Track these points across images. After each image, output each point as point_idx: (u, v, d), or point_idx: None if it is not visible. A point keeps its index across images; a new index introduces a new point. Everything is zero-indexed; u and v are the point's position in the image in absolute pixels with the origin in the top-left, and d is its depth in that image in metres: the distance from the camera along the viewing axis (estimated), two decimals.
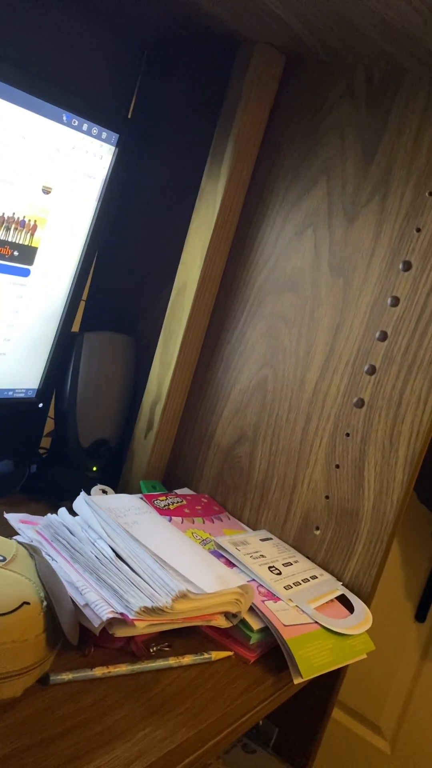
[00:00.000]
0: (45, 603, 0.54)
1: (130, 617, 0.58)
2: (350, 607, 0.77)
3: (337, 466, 0.82)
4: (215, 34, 0.84)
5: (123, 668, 0.59)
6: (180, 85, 0.95)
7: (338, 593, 0.78)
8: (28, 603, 0.52)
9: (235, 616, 0.67)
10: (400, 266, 0.78)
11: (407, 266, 0.77)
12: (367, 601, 0.80)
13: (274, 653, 0.68)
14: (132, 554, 0.64)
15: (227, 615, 0.67)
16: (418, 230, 0.77)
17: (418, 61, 0.75)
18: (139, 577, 0.62)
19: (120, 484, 0.95)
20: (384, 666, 1.59)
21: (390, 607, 1.58)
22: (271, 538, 0.84)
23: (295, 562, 0.80)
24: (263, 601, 0.70)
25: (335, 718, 1.66)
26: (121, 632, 0.59)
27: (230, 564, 0.75)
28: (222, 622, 0.66)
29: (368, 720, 1.63)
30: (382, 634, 1.58)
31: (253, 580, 0.73)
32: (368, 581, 0.81)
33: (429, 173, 0.76)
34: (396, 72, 0.79)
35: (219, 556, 0.76)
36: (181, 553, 0.68)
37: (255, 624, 0.68)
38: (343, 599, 0.78)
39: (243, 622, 0.68)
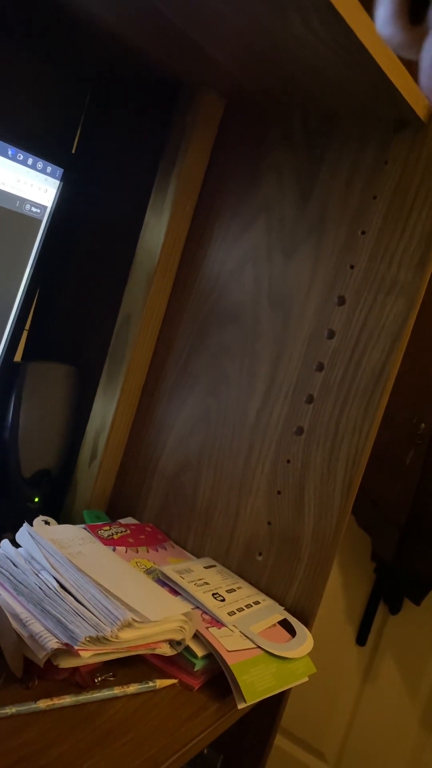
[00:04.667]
0: None
1: (75, 647, 0.58)
2: (292, 631, 0.79)
3: (279, 493, 0.85)
4: (158, 74, 0.88)
5: (67, 699, 0.59)
6: (124, 121, 0.98)
7: (280, 618, 0.80)
8: None
9: (179, 643, 0.68)
10: (335, 301, 0.82)
11: (341, 301, 0.81)
12: (309, 624, 0.82)
13: (218, 679, 0.69)
14: (76, 584, 0.64)
15: (171, 642, 0.68)
16: (352, 267, 0.81)
17: (349, 107, 0.80)
18: (84, 607, 0.62)
19: (62, 515, 0.95)
20: (326, 691, 1.61)
21: (331, 631, 1.61)
22: (214, 566, 0.86)
23: (239, 588, 0.82)
24: (207, 628, 0.71)
25: (279, 745, 1.67)
26: (66, 663, 0.59)
27: (174, 592, 0.75)
28: (166, 650, 0.67)
29: (311, 746, 1.64)
30: (324, 658, 1.60)
31: (198, 607, 0.74)
32: (309, 605, 0.83)
33: (361, 214, 0.81)
34: (330, 117, 0.83)
35: (163, 584, 0.76)
36: (125, 582, 0.68)
37: (199, 651, 0.68)
38: (285, 623, 0.80)
39: (187, 649, 0.69)
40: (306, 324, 0.84)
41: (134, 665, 0.68)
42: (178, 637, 0.67)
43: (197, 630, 0.69)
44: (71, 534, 0.76)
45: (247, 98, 0.87)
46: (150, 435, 0.95)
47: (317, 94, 0.78)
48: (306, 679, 0.73)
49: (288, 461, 0.84)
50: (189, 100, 0.88)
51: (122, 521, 0.91)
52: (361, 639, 1.57)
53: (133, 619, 0.62)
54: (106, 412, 0.92)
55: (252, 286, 0.88)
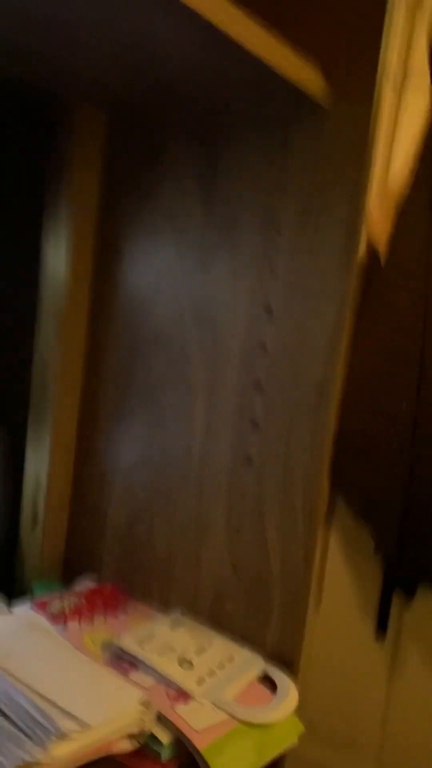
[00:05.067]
0: None
1: None
2: (275, 683, 0.71)
3: (238, 531, 0.76)
4: (36, 96, 0.79)
5: None
6: (8, 148, 0.88)
7: (258, 672, 0.72)
8: None
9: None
10: (262, 311, 0.73)
11: (269, 310, 0.73)
12: (293, 666, 0.74)
13: (194, 762, 0.61)
14: (3, 696, 0.56)
15: (131, 736, 0.60)
16: (273, 271, 0.72)
17: (239, 99, 0.70)
18: (11, 724, 0.54)
19: (16, 587, 0.87)
20: (352, 694, 1.53)
21: (348, 629, 1.53)
22: (182, 622, 0.78)
23: (209, 645, 0.74)
24: (173, 706, 0.63)
25: (315, 759, 1.60)
26: None
27: (133, 666, 0.67)
28: (125, 746, 0.59)
29: (348, 752, 1.58)
30: (345, 658, 1.52)
31: (161, 681, 0.66)
32: (291, 644, 0.75)
33: (273, 211, 0.72)
34: (221, 112, 0.74)
35: (121, 659, 0.68)
36: (65, 680, 0.60)
37: (165, 737, 0.60)
38: (265, 677, 0.72)
39: (152, 736, 0.61)
40: (236, 341, 0.75)
41: (94, 764, 0.60)
42: (135, 730, 0.59)
43: (161, 712, 0.61)
44: (7, 627, 0.68)
45: (130, 108, 0.78)
46: (93, 487, 0.86)
47: (198, 92, 0.69)
48: (294, 741, 0.65)
49: (241, 495, 0.76)
50: (68, 118, 0.79)
51: (78, 587, 0.83)
52: (380, 631, 1.50)
53: (69, 730, 0.53)
54: (38, 472, 0.84)
55: (173, 306, 0.79)
